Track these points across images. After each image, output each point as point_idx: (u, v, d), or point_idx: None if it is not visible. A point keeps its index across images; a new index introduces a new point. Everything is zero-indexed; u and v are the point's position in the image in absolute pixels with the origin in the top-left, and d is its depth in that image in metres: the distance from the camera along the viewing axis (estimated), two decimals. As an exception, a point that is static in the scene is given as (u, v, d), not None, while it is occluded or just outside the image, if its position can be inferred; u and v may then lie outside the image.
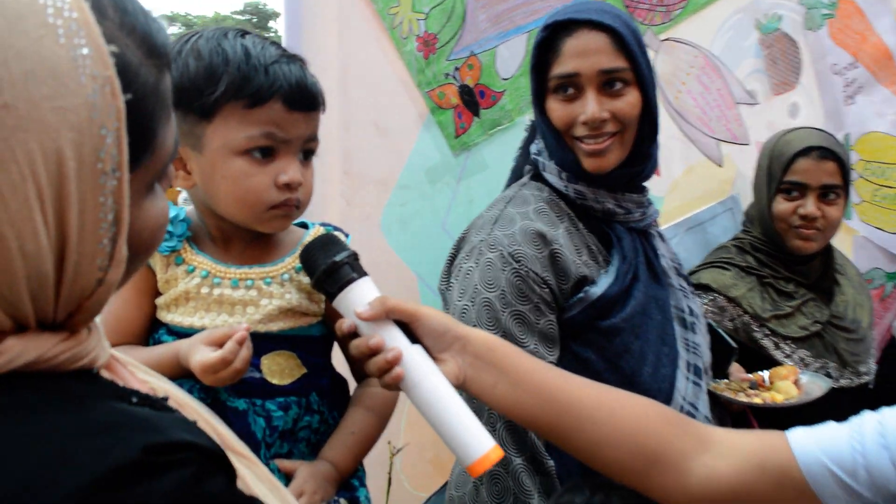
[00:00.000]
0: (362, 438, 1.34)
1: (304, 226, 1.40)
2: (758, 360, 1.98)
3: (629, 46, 1.42)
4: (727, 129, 2.45)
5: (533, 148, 1.58)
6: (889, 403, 2.28)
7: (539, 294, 1.40)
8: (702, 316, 1.65)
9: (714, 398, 1.60)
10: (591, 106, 1.42)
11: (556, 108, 1.47)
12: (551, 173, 1.52)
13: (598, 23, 1.41)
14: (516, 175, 1.68)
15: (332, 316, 1.31)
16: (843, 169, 2.02)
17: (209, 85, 1.16)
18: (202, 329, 1.22)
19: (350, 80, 1.98)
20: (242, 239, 1.30)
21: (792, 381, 1.68)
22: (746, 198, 2.36)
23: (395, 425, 2.12)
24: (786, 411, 1.65)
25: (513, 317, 1.39)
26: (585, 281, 1.44)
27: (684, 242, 2.40)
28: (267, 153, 1.20)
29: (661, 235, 1.69)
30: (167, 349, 1.23)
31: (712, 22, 2.41)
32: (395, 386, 1.02)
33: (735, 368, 1.80)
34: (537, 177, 1.57)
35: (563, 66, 1.43)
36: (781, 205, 2.03)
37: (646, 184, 2.09)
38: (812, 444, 0.96)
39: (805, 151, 1.99)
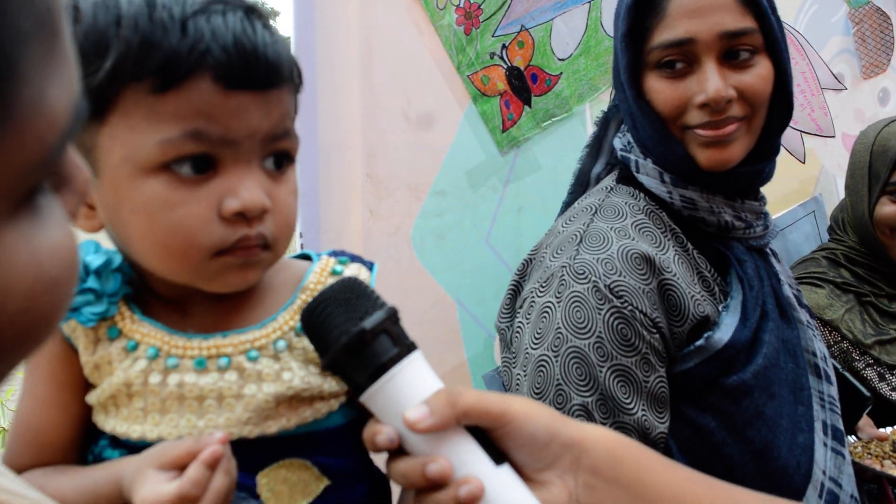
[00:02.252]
0: None
1: (307, 257, 0.94)
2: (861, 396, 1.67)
3: (759, 1, 1.07)
4: (811, 119, 2.09)
5: (617, 143, 1.22)
6: None
7: (648, 341, 1.03)
8: (830, 359, 1.29)
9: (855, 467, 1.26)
10: (713, 81, 1.07)
11: (661, 89, 1.11)
12: (649, 175, 1.16)
13: None
14: (582, 180, 1.31)
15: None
16: None
17: (93, 60, 0.71)
18: (158, 441, 0.79)
19: (375, 62, 1.59)
20: (206, 293, 0.82)
21: None
22: (830, 198, 2.02)
23: None
24: None
25: (614, 373, 1.02)
26: (707, 322, 1.07)
27: (762, 254, 2.05)
28: (201, 166, 0.74)
29: (775, 253, 1.33)
30: (106, 474, 0.78)
31: (799, -7, 2.05)
32: None
33: (864, 422, 1.50)
34: (626, 180, 1.20)
35: (670, 30, 1.07)
36: (888, 208, 1.76)
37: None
38: None
39: None
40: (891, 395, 1.72)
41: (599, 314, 1.03)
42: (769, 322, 1.13)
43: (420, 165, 1.65)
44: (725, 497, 0.72)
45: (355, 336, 0.65)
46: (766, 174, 1.21)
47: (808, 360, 1.20)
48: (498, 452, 0.65)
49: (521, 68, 1.72)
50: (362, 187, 1.60)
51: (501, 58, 1.70)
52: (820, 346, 1.24)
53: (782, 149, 2.00)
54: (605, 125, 1.30)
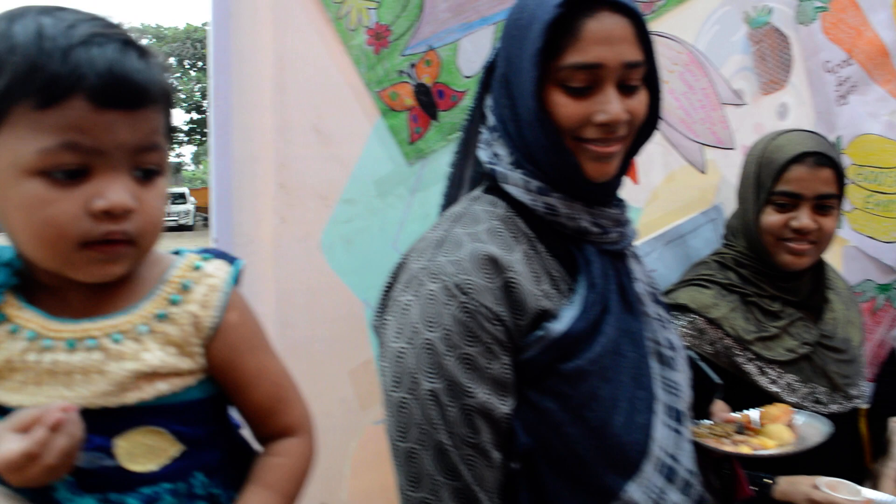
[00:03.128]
0: None
1: (178, 253, 1.11)
2: (740, 387, 1.83)
3: (648, 37, 1.22)
4: (712, 133, 2.22)
5: (483, 155, 1.33)
6: (885, 424, 2.11)
7: (491, 333, 1.17)
8: (682, 348, 1.44)
9: (695, 446, 1.39)
10: (614, 105, 1.20)
11: (566, 104, 1.22)
12: (516, 185, 1.28)
13: (622, 5, 1.18)
14: (455, 182, 1.44)
15: (219, 369, 1.06)
16: (839, 176, 1.85)
17: None
18: None
19: (287, 79, 1.71)
20: (82, 284, 0.98)
21: (785, 423, 1.47)
22: (731, 207, 2.15)
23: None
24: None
25: (460, 361, 1.15)
26: (546, 315, 1.21)
27: (664, 257, 2.19)
28: (74, 171, 0.89)
29: (635, 255, 1.47)
30: None
31: (698, 15, 2.18)
32: None
33: (718, 407, 1.63)
34: (492, 189, 1.33)
35: (583, 53, 1.18)
36: (771, 217, 1.86)
37: (622, 194, 1.87)
38: None
39: (799, 158, 1.81)
40: (769, 387, 1.84)
41: (448, 309, 1.16)
42: (610, 316, 1.26)
43: (330, 176, 1.77)
44: None
45: None
46: (619, 184, 1.36)
47: (652, 349, 1.33)
48: None
49: (429, 85, 1.84)
50: (274, 196, 1.72)
51: (409, 75, 1.82)
52: (667, 336, 1.38)
53: (684, 160, 2.16)
54: (471, 135, 1.41)
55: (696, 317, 1.87)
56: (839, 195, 1.86)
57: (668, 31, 2.13)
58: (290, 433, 1.15)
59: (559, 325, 1.21)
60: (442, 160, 1.89)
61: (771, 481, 1.73)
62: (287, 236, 1.73)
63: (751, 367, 1.86)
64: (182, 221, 27.85)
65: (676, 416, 1.32)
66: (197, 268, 1.07)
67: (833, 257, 2.54)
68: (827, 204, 1.84)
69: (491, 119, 1.33)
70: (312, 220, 1.76)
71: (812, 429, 1.59)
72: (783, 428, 1.45)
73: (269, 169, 1.71)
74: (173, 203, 27.72)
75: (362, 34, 1.77)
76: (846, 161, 2.50)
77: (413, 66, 1.82)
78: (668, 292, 1.97)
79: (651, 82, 1.28)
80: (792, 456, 1.51)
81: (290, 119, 1.72)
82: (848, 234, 2.55)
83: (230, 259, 1.12)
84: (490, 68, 1.35)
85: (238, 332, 1.08)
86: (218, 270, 1.09)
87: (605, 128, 1.22)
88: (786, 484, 1.72)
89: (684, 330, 1.87)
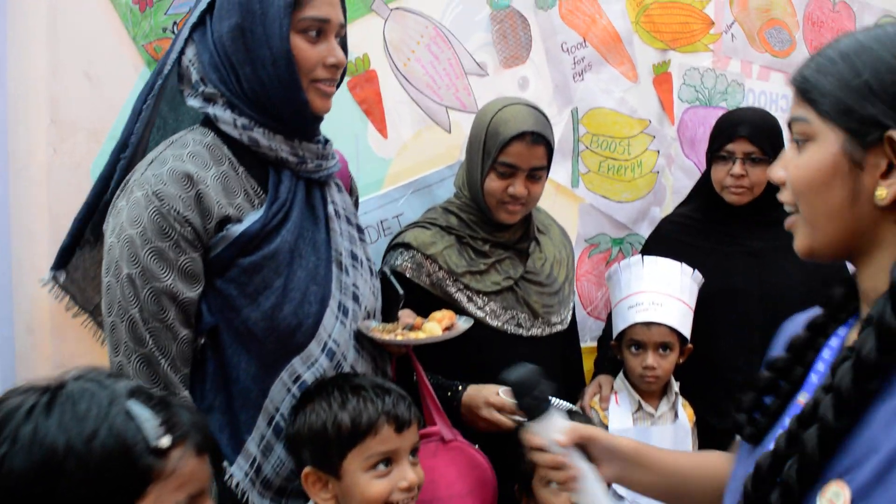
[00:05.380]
0: None
1: None
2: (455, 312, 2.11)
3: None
4: (456, 98, 2.60)
5: (195, 102, 1.64)
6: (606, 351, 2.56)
7: (180, 232, 1.50)
8: (367, 262, 1.80)
9: (364, 338, 1.74)
10: (339, 51, 1.65)
11: (306, 48, 1.60)
12: (225, 122, 1.61)
13: None
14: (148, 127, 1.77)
15: None
16: (549, 151, 2.19)
17: None
18: None
19: (60, 25, 1.97)
20: None
21: (447, 324, 1.84)
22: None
23: None
24: (463, 347, 1.88)
25: (152, 253, 1.48)
26: (229, 220, 1.55)
27: (411, 203, 2.55)
28: None
29: (339, 186, 1.82)
30: None
31: (444, -5, 2.54)
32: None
33: (405, 314, 1.91)
34: (206, 123, 1.66)
35: (317, 9, 1.59)
36: (494, 182, 2.14)
37: (371, 144, 2.24)
38: None
39: (520, 136, 2.10)
40: (476, 313, 2.14)
41: (146, 211, 1.49)
42: (290, 223, 1.61)
43: (99, 114, 2.03)
44: (689, 460, 1.43)
45: (541, 401, 1.36)
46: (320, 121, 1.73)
47: (335, 257, 1.69)
48: (589, 456, 1.36)
49: (192, 41, 2.14)
50: (47, 130, 1.98)
51: (174, 32, 2.12)
52: (354, 250, 1.75)
53: (430, 119, 2.51)
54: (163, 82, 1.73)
55: (417, 252, 2.17)
56: (547, 166, 2.20)
57: (414, 7, 2.49)
58: None
59: (239, 227, 1.55)
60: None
61: (461, 388, 2.08)
62: (59, 165, 2.00)
63: (460, 296, 2.16)
64: None
65: (345, 311, 1.68)
66: None
67: (570, 212, 2.98)
68: (537, 174, 2.16)
69: (196, 72, 1.63)
70: (83, 152, 2.03)
71: (463, 326, 1.89)
72: (435, 325, 1.81)
73: (41, 105, 1.97)
74: None
75: (129, -8, 2.05)
76: (582, 130, 2.94)
77: (176, 24, 2.11)
78: (399, 233, 2.28)
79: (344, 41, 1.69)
80: (427, 343, 1.82)
81: (62, 62, 1.98)
82: (584, 193, 2.99)
83: None
84: (194, 27, 1.65)
85: None
86: None
87: (333, 69, 1.61)
88: (472, 390, 2.06)
89: (406, 264, 2.16)
